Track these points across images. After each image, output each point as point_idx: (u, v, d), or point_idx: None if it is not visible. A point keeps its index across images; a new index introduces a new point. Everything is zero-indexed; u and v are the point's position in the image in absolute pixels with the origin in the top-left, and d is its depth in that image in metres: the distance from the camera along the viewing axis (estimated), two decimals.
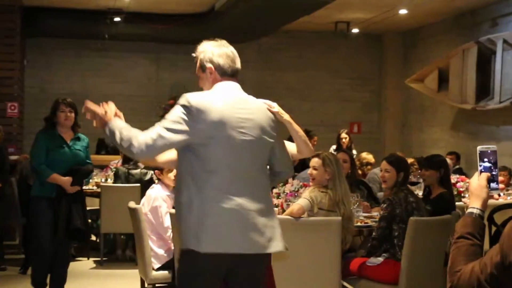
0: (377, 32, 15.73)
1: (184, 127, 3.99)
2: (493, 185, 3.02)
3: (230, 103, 4.13)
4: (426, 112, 15.25)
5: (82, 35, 14.42)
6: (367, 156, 10.76)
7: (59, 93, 12.70)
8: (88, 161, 7.52)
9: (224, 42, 4.38)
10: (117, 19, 13.53)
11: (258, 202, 4.15)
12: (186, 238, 4.07)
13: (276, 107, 4.38)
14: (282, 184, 7.85)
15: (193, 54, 4.38)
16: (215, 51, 4.26)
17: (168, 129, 3.98)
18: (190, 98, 4.04)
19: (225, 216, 4.07)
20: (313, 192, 6.21)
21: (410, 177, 7.26)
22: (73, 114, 7.25)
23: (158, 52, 15.15)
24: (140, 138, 3.97)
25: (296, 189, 7.09)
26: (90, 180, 8.75)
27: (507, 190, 9.82)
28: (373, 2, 12.50)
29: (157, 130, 3.98)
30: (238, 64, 4.32)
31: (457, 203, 8.10)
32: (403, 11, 13.25)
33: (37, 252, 7.67)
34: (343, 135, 13.00)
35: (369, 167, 10.55)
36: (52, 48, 14.70)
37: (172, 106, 4.24)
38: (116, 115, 4.22)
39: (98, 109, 4.18)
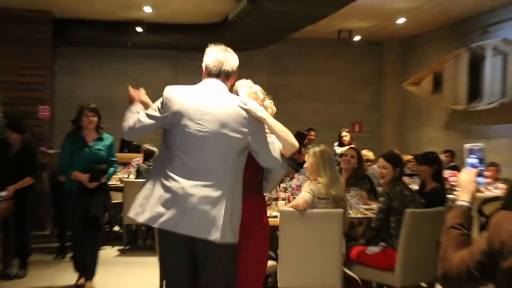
0: (377, 40, 15.70)
1: (156, 113, 4.29)
2: (480, 179, 3.04)
3: (195, 96, 4.27)
4: (421, 112, 15.23)
5: (107, 44, 14.47)
6: (368, 153, 10.73)
7: (86, 97, 12.81)
8: (111, 158, 7.81)
9: (223, 47, 4.48)
10: (138, 29, 13.57)
11: (206, 191, 4.15)
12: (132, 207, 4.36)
13: (249, 105, 4.27)
14: (288, 179, 7.85)
15: None
16: (210, 54, 4.42)
17: (146, 115, 4.32)
18: (166, 89, 4.34)
19: (166, 194, 4.20)
20: (311, 185, 6.25)
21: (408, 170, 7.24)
22: (95, 118, 7.63)
23: (176, 59, 15.18)
24: (128, 121, 4.38)
25: (301, 184, 7.06)
26: (114, 176, 8.77)
27: (496, 185, 9.81)
28: (373, 12, 12.48)
29: (140, 116, 4.35)
30: (228, 67, 4.38)
31: (450, 196, 8.10)
32: (401, 20, 13.22)
33: (73, 240, 8.20)
34: (344, 133, 13.07)
35: (369, 163, 10.53)
36: (80, 56, 14.75)
37: None
38: (141, 100, 4.62)
39: (131, 93, 4.67)
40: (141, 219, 4.25)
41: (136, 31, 13.62)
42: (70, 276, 8.06)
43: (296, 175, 7.97)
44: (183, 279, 4.42)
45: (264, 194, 4.89)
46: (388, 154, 6.88)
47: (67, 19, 13.34)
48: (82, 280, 7.95)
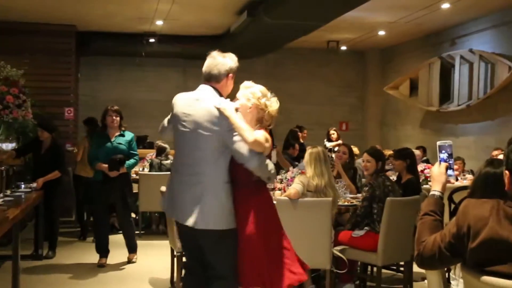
0: (360, 49, 15.68)
1: (169, 117, 4.56)
2: (450, 172, 3.08)
3: (184, 101, 4.38)
4: (400, 113, 15.23)
5: (124, 53, 14.45)
6: (353, 149, 10.75)
7: (106, 100, 12.82)
8: (132, 151, 8.08)
9: (215, 53, 4.48)
10: (152, 40, 13.56)
11: (192, 185, 4.21)
12: None
13: (221, 106, 4.20)
14: (284, 171, 7.89)
15: None
16: (206, 62, 4.46)
17: (167, 119, 4.61)
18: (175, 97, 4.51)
19: (168, 188, 4.48)
20: (301, 177, 6.33)
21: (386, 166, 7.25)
22: (118, 118, 7.92)
23: (185, 66, 15.14)
24: (161, 125, 4.72)
25: (295, 176, 7.08)
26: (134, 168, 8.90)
27: (464, 176, 9.83)
28: (357, 25, 12.47)
29: (164, 120, 4.67)
30: (215, 71, 4.36)
31: (425, 186, 8.13)
32: (381, 33, 13.23)
33: (94, 224, 8.52)
34: (332, 131, 13.09)
35: (355, 157, 10.56)
36: (100, 64, 14.73)
37: None
38: None
39: None
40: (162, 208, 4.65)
41: (149, 42, 13.60)
42: (94, 256, 8.09)
43: (291, 168, 8.01)
44: (194, 263, 4.47)
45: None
46: (371, 150, 6.91)
47: (89, 32, 13.35)
48: (103, 261, 8.06)
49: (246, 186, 4.34)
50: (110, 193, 7.92)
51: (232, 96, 4.42)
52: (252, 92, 4.40)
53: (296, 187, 6.13)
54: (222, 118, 4.17)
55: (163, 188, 4.57)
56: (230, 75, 4.42)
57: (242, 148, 4.16)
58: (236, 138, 4.17)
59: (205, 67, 4.41)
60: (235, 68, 4.45)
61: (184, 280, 4.67)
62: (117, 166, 7.77)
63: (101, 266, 7.96)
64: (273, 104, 4.45)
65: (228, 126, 4.16)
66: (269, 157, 4.42)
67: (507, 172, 2.53)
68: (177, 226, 4.62)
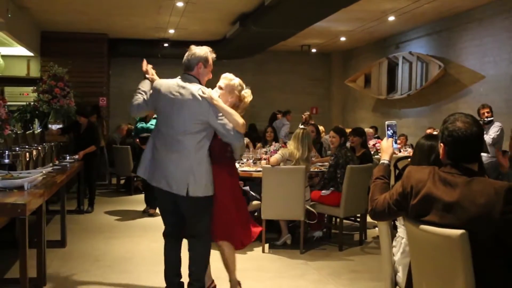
0: (327, 51, 15.63)
1: (148, 97, 4.19)
2: (395, 145, 3.09)
3: (168, 85, 4.05)
4: (357, 101, 15.23)
5: (144, 55, 14.02)
6: (320, 128, 10.76)
7: (130, 91, 12.58)
8: None
9: (193, 46, 4.21)
10: (166, 45, 13.48)
11: (175, 158, 3.91)
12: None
13: (207, 93, 3.92)
14: (268, 145, 7.87)
15: None
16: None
17: None
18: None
19: (153, 160, 4.05)
20: (283, 150, 6.32)
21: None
22: None
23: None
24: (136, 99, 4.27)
25: (277, 148, 7.06)
26: None
27: (405, 148, 9.86)
28: (324, 33, 12.41)
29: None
30: (185, 61, 4.12)
31: (376, 157, 8.13)
32: (343, 39, 13.19)
33: (144, 184, 8.63)
34: (305, 114, 12.93)
35: (322, 134, 10.57)
36: (126, 64, 14.53)
37: None
38: (151, 75, 4.35)
39: (145, 67, 4.41)
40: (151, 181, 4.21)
41: (164, 46, 13.52)
42: (122, 212, 8.07)
43: (273, 143, 8.00)
44: (173, 227, 4.20)
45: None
46: (336, 128, 6.89)
47: (118, 39, 13.26)
48: (152, 211, 8.20)
49: (220, 160, 4.10)
50: None
51: (211, 85, 4.14)
52: (235, 84, 4.17)
53: (276, 156, 6.13)
54: (206, 104, 3.90)
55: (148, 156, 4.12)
56: (200, 63, 4.06)
57: (230, 129, 3.93)
58: (222, 121, 3.92)
59: (183, 59, 4.14)
60: (205, 58, 4.08)
61: (166, 245, 4.22)
62: (145, 141, 7.76)
63: (151, 216, 8.08)
64: (248, 96, 4.23)
65: (214, 111, 3.90)
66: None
67: (441, 144, 2.52)
68: (159, 194, 4.10)
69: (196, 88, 3.96)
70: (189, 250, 4.15)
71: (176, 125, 3.94)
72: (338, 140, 6.56)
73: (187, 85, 4.00)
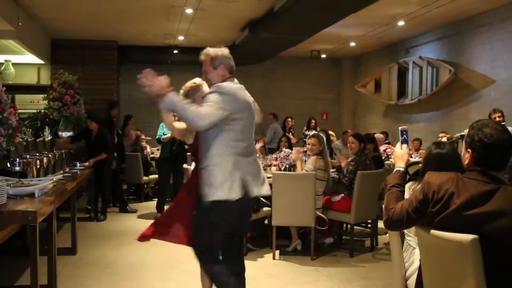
0: (337, 56, 15.61)
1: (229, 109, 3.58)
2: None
3: (240, 89, 3.73)
4: (367, 106, 15.18)
5: (154, 61, 14.21)
6: (331, 133, 10.76)
7: (140, 98, 12.98)
8: None
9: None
10: (175, 51, 13.50)
11: (258, 163, 3.76)
12: None
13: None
14: (278, 151, 7.85)
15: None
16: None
17: None
18: None
19: (245, 173, 3.64)
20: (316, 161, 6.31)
21: None
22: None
23: (201, 72, 15.06)
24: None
25: (287, 155, 7.04)
26: None
27: (417, 153, 9.79)
28: (334, 38, 12.40)
29: None
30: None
31: (387, 162, 8.11)
32: (352, 44, 13.15)
33: (160, 189, 8.83)
34: (313, 120, 12.87)
35: (333, 139, 10.56)
36: (136, 70, 14.08)
37: None
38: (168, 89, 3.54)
39: (157, 81, 3.59)
40: None
41: (173, 52, 13.55)
42: (133, 220, 8.07)
43: (284, 149, 7.98)
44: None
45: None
46: (356, 134, 6.88)
47: (127, 46, 13.30)
48: (159, 215, 8.12)
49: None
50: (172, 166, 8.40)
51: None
52: (193, 82, 4.12)
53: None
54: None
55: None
56: (207, 61, 3.92)
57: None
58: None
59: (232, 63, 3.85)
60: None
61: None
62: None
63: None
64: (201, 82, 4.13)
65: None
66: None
67: (469, 150, 2.47)
68: (244, 207, 3.68)
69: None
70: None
71: (252, 132, 3.75)
72: (358, 146, 6.52)
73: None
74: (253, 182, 3.59)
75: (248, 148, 3.65)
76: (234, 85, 3.67)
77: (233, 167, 3.51)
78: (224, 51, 3.87)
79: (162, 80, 3.57)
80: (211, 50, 3.90)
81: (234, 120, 3.54)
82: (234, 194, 3.47)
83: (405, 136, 3.05)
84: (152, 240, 3.80)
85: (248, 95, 3.75)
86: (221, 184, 3.47)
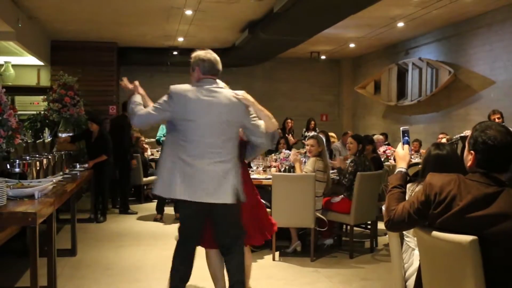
0: (336, 58, 15.61)
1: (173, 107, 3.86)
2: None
3: (193, 90, 3.87)
4: (367, 107, 15.19)
5: (154, 63, 14.35)
6: (332, 135, 10.75)
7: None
8: None
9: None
10: (175, 53, 13.51)
11: (219, 167, 3.73)
12: None
13: (241, 94, 3.81)
14: (279, 152, 7.83)
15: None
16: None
17: None
18: None
19: (183, 175, 3.74)
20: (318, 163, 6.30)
21: None
22: None
23: None
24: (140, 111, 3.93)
25: (287, 156, 7.04)
26: None
27: (417, 154, 9.80)
28: (333, 39, 12.42)
29: None
30: (219, 65, 3.94)
31: (386, 163, 8.11)
32: (352, 45, 13.16)
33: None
34: (312, 122, 12.86)
35: (333, 140, 10.57)
36: (136, 72, 14.48)
37: None
38: (139, 91, 4.11)
39: (129, 86, 4.12)
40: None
41: (173, 54, 13.56)
42: (133, 220, 8.07)
43: (283, 151, 7.98)
44: (197, 234, 3.94)
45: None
46: (354, 135, 6.91)
47: (127, 47, 13.32)
48: (158, 216, 8.41)
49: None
50: None
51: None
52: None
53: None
54: (242, 106, 3.82)
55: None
56: (194, 67, 3.98)
57: (263, 130, 3.88)
58: (256, 122, 3.85)
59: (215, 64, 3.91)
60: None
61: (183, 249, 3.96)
62: None
63: (157, 220, 8.39)
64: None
65: (248, 112, 3.84)
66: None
67: (472, 152, 2.46)
68: (194, 206, 3.73)
69: (229, 92, 3.85)
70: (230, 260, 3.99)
71: (216, 132, 3.73)
72: (356, 147, 6.53)
73: (218, 89, 3.83)
74: (191, 186, 3.65)
75: (198, 150, 3.68)
76: (187, 87, 3.79)
77: (173, 166, 3.69)
78: (201, 54, 3.95)
79: (129, 85, 4.12)
80: (193, 54, 4.02)
81: (182, 121, 3.71)
82: (177, 194, 3.69)
83: (406, 136, 3.03)
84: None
85: (220, 96, 3.77)
86: (163, 180, 3.73)
